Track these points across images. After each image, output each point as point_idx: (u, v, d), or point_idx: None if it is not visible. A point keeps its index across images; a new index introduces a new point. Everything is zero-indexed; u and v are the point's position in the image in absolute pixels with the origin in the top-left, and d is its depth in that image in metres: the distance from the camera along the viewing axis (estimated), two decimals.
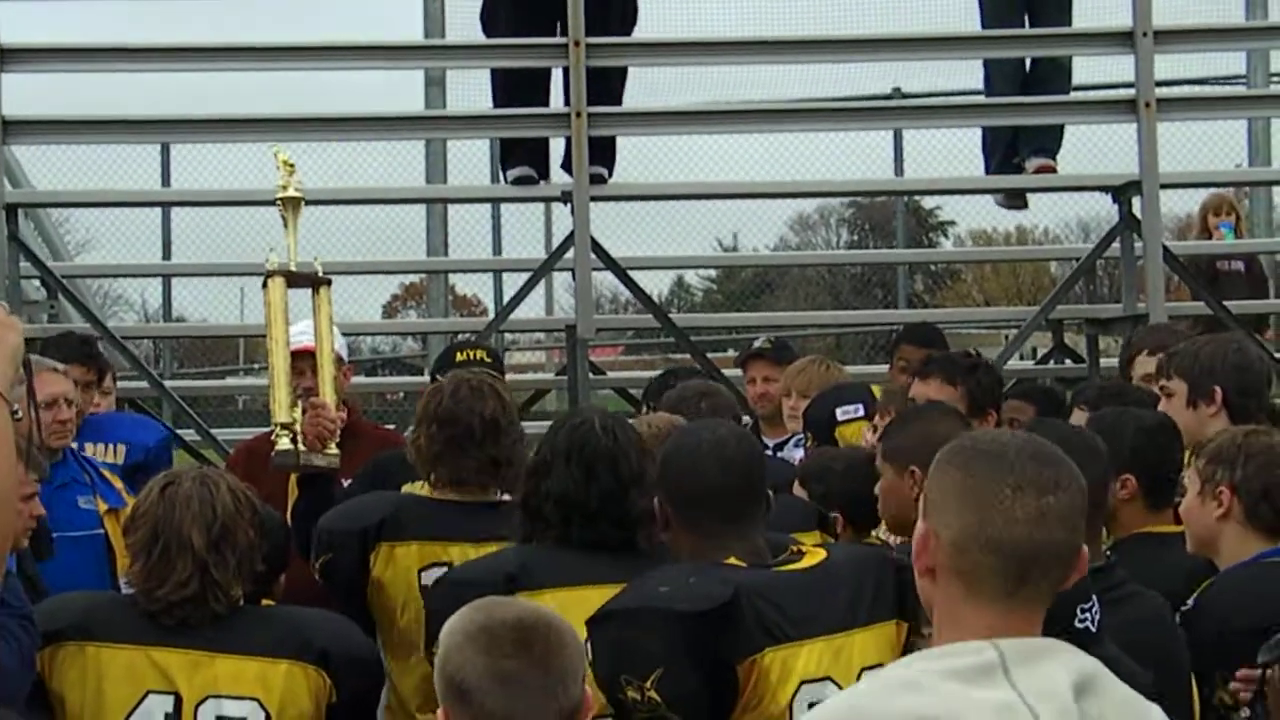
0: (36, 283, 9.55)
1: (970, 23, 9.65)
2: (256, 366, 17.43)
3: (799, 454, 6.80)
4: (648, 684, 3.76)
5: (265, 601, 4.75)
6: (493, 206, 12.89)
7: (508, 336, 13.15)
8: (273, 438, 5.90)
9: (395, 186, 11.44)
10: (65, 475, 6.66)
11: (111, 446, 7.01)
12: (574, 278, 8.51)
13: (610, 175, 8.96)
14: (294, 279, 6.04)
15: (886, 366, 8.12)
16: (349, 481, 5.94)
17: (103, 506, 6.63)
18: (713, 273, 31.21)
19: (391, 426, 8.29)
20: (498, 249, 13.24)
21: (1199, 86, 12.66)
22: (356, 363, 19.50)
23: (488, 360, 6.57)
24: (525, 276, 9.04)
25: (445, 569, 4.95)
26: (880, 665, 4.03)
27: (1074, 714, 2.48)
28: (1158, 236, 8.59)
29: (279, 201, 6.15)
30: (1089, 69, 10.59)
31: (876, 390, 6.95)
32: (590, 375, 8.90)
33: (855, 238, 35.07)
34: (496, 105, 9.14)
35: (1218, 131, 12.58)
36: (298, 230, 6.18)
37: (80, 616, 4.31)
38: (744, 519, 4.15)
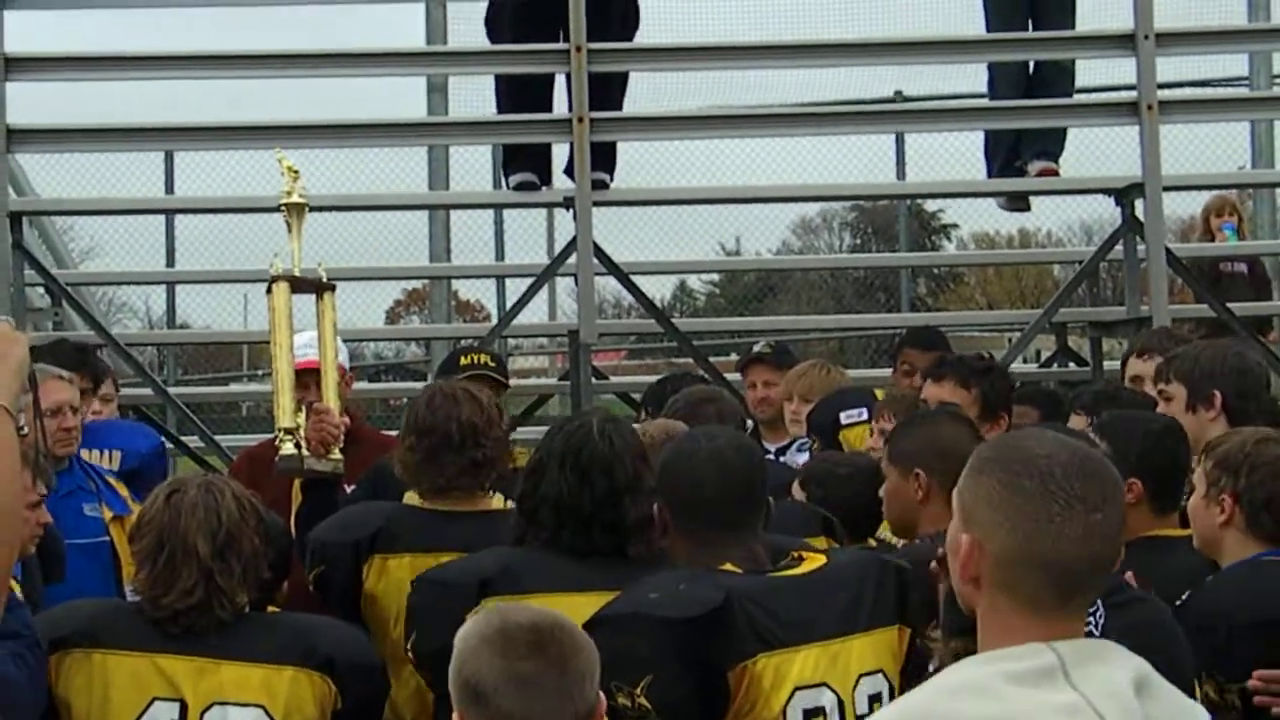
0: (41, 290, 9.55)
1: (973, 26, 9.65)
2: (260, 373, 17.39)
3: (801, 458, 6.80)
4: (638, 690, 3.76)
5: (270, 608, 4.74)
6: (495, 212, 12.90)
7: (510, 342, 13.15)
8: (276, 443, 5.91)
9: (398, 192, 11.46)
10: (70, 483, 6.66)
11: (106, 453, 7.00)
12: (576, 283, 8.51)
13: (612, 180, 8.97)
14: (298, 284, 6.05)
15: (889, 370, 8.09)
16: (352, 487, 5.94)
17: (108, 514, 6.63)
18: (715, 277, 31.26)
19: (394, 432, 8.27)
20: (500, 254, 13.24)
21: (1201, 89, 12.64)
22: (360, 368, 19.61)
23: (491, 365, 6.59)
24: (528, 282, 9.04)
25: (451, 560, 4.97)
26: (880, 671, 4.04)
27: (1138, 714, 2.51)
28: (1160, 239, 8.58)
29: (283, 207, 6.17)
30: (1092, 71, 10.59)
31: (880, 394, 6.96)
32: (593, 380, 8.90)
33: (858, 241, 35.10)
34: (501, 111, 9.14)
35: (1220, 133, 12.57)
36: (302, 236, 6.20)
37: (86, 623, 4.32)
38: (742, 526, 4.15)
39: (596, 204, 8.50)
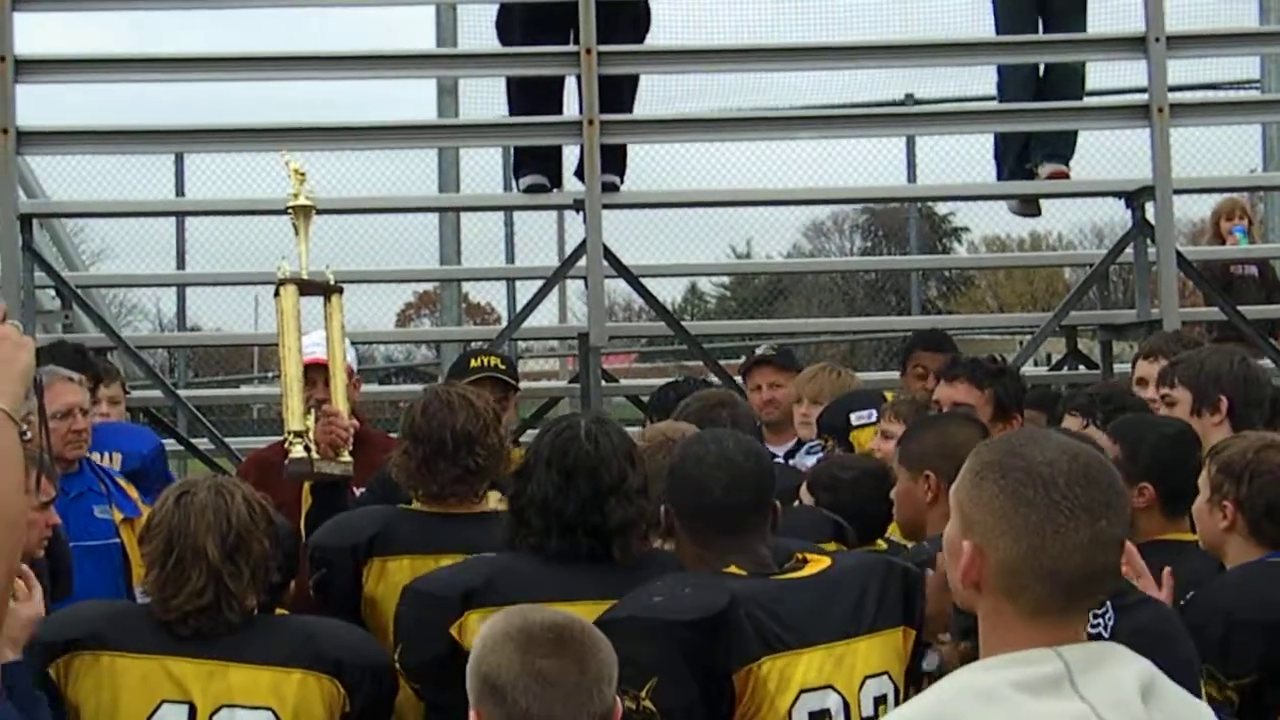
0: (51, 292, 9.56)
1: (984, 27, 9.64)
2: (270, 375, 17.42)
3: (810, 461, 6.80)
4: (643, 694, 3.76)
5: (279, 610, 4.74)
6: (506, 214, 12.90)
7: (521, 344, 13.15)
8: (286, 446, 5.91)
9: (407, 195, 11.45)
10: (81, 485, 6.68)
11: (107, 455, 7.02)
12: (586, 286, 8.50)
13: (622, 182, 8.97)
14: (306, 287, 6.06)
15: (899, 373, 8.07)
16: (361, 490, 5.94)
17: (118, 516, 6.65)
18: (726, 280, 31.28)
19: None
20: (511, 257, 13.24)
21: (1213, 91, 12.61)
22: (371, 371, 19.64)
23: (502, 368, 6.59)
24: (538, 284, 9.04)
25: (438, 569, 4.97)
26: (886, 673, 4.04)
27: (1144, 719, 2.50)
28: (1171, 242, 8.56)
29: (290, 210, 6.18)
30: (1104, 73, 10.58)
31: (890, 396, 6.96)
32: (603, 383, 8.89)
33: (869, 244, 35.16)
34: (511, 113, 9.15)
35: (1232, 136, 12.55)
36: (309, 238, 6.21)
37: (95, 625, 4.32)
38: (749, 531, 4.15)
39: (606, 206, 8.49)
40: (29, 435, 2.97)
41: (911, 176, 12.80)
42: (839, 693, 3.96)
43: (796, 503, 5.66)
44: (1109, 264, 9.30)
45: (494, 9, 9.19)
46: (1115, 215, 9.56)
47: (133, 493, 6.81)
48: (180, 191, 12.70)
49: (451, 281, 11.78)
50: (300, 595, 5.18)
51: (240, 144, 9.30)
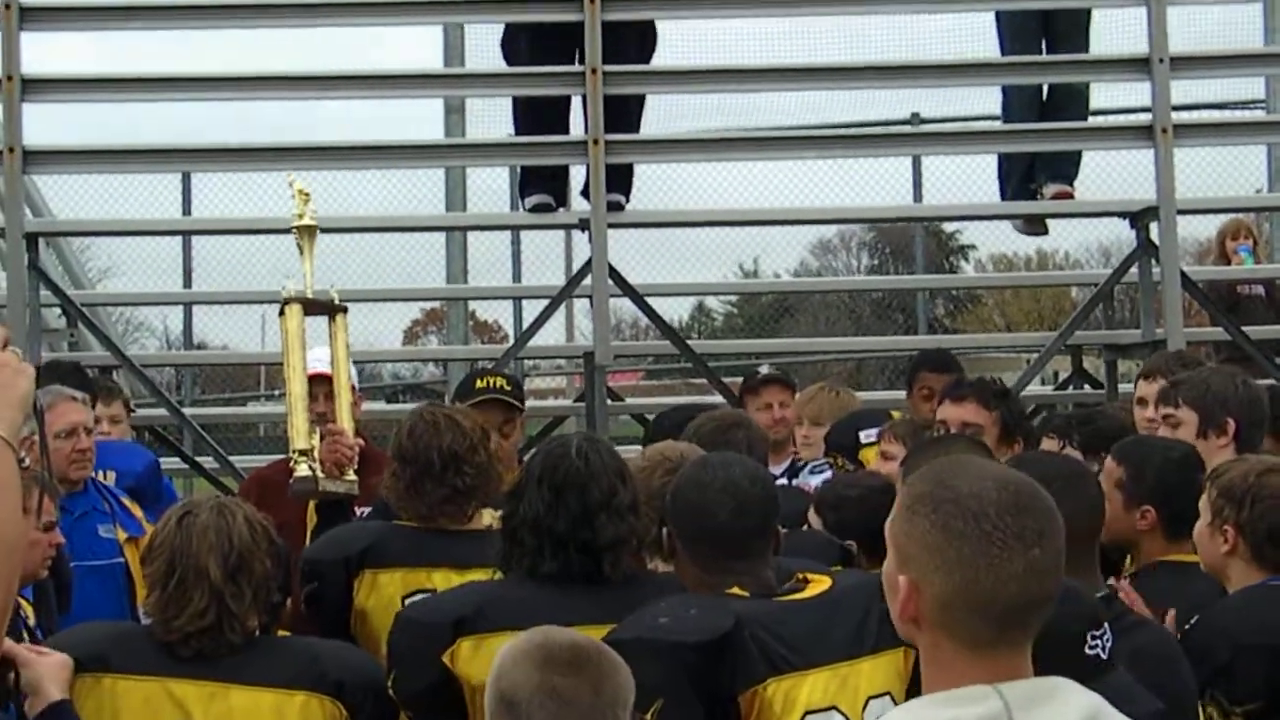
0: (57, 311, 9.57)
1: (989, 47, 9.65)
2: (277, 393, 17.43)
3: (813, 481, 6.80)
4: (649, 716, 3.75)
5: (281, 632, 4.74)
6: (513, 233, 12.91)
7: (528, 362, 13.17)
8: (291, 464, 5.93)
9: (413, 214, 11.47)
10: (85, 504, 6.70)
11: (101, 473, 7.03)
12: (591, 305, 8.52)
13: (628, 202, 8.98)
14: (311, 306, 6.09)
15: (905, 393, 8.06)
16: (366, 510, 5.95)
17: (122, 535, 6.66)
18: (733, 297, 31.28)
19: None
20: (518, 275, 13.26)
21: (1218, 111, 12.62)
22: (378, 388, 19.64)
23: (507, 388, 6.59)
24: (545, 303, 9.04)
25: (429, 595, 4.97)
26: (888, 694, 4.03)
27: None
28: (1175, 262, 8.56)
29: (295, 230, 6.21)
30: (1109, 91, 10.59)
31: (895, 415, 6.96)
32: (609, 401, 8.90)
33: (875, 261, 35.16)
34: (518, 132, 9.17)
35: (1237, 156, 12.56)
36: (314, 258, 6.24)
37: (97, 647, 4.30)
38: (752, 555, 4.16)
39: (612, 226, 8.51)
40: (28, 462, 2.97)
41: (918, 195, 12.80)
42: (843, 714, 3.96)
43: (805, 526, 5.66)
44: (1113, 284, 9.30)
45: (501, 29, 9.22)
46: (1122, 234, 9.55)
47: (137, 512, 6.82)
48: (187, 209, 12.71)
49: (457, 300, 11.78)
50: (295, 612, 5.18)
51: (247, 163, 9.31)
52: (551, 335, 12.70)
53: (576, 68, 8.62)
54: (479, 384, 6.57)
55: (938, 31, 11.50)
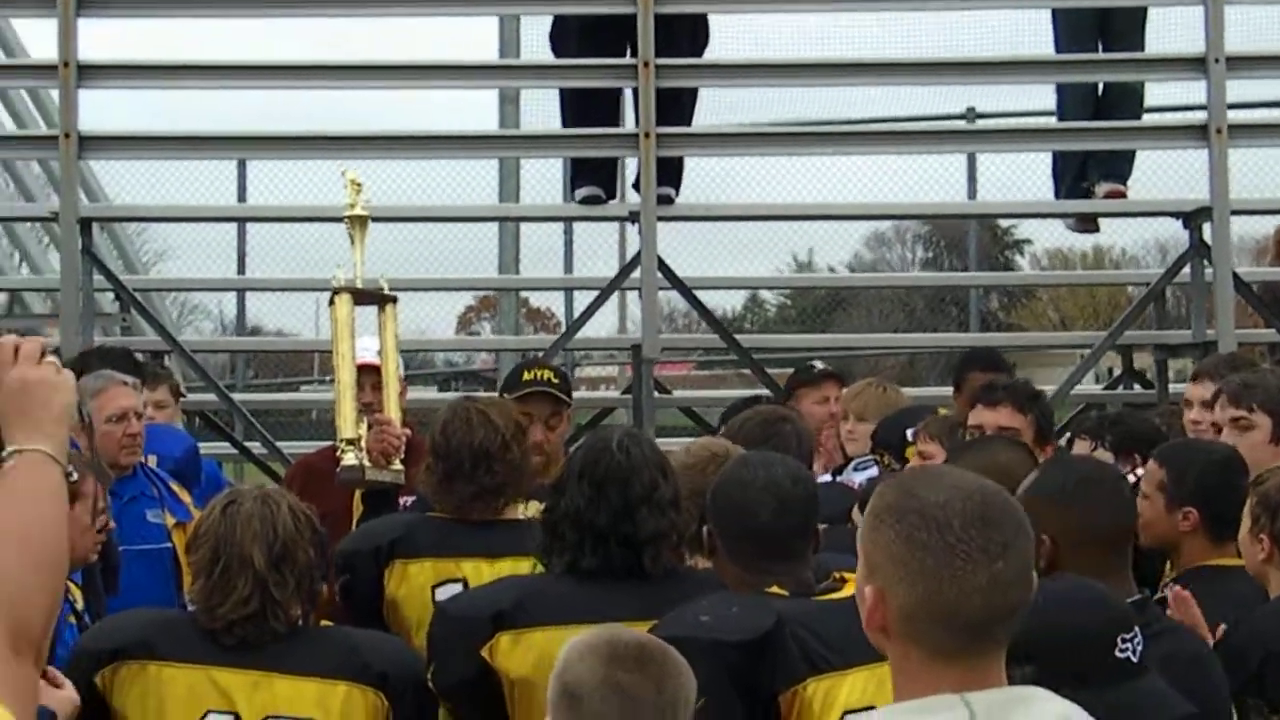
0: (111, 295, 9.63)
1: (1044, 45, 9.60)
2: (329, 379, 17.51)
3: (858, 478, 6.78)
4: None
5: (324, 622, 4.76)
6: (565, 223, 12.93)
7: (579, 351, 13.18)
8: (338, 454, 5.96)
9: (465, 205, 11.46)
10: (134, 489, 6.73)
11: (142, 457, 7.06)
12: (640, 297, 8.53)
13: (678, 195, 8.98)
14: (360, 296, 6.11)
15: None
16: (411, 498, 5.97)
17: (170, 520, 6.68)
18: (786, 289, 31.20)
19: None
20: (570, 265, 13.25)
21: (1274, 110, 12.52)
22: (431, 375, 19.67)
23: (555, 380, 6.59)
24: (596, 294, 9.05)
25: (460, 584, 5.02)
26: None
27: None
28: (1227, 263, 8.52)
29: (346, 220, 6.24)
30: (1162, 88, 10.52)
31: (943, 411, 6.93)
32: (656, 394, 8.90)
33: (930, 254, 35.01)
34: (566, 125, 9.17)
35: None
36: (364, 247, 6.27)
37: (142, 634, 4.34)
38: (792, 556, 4.17)
39: (661, 219, 8.52)
40: (75, 477, 3.02)
41: (972, 189, 12.73)
42: None
43: (849, 523, 5.66)
44: (1165, 284, 9.25)
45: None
46: (1179, 230, 9.46)
47: (185, 497, 6.84)
48: (242, 195, 12.72)
49: (509, 291, 11.81)
50: (331, 602, 5.20)
51: (301, 151, 9.38)
52: (604, 323, 12.69)
53: (629, 60, 8.61)
54: (526, 376, 6.57)
55: (992, 27, 11.44)
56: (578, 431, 9.29)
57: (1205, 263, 8.71)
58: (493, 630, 4.35)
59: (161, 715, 4.26)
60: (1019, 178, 12.52)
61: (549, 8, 9.28)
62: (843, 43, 11.59)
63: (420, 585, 5.09)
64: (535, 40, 10.72)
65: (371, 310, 6.28)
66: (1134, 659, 3.33)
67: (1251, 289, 8.94)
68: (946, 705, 2.49)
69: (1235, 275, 8.59)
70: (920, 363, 19.40)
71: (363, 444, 5.98)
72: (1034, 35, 9.93)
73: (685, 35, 8.85)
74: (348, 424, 5.95)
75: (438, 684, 4.39)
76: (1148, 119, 9.73)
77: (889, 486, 2.65)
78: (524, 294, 14.49)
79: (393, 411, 6.13)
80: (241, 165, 12.72)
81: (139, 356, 8.70)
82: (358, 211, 6.25)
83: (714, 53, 9.20)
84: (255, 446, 9.38)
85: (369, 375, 6.27)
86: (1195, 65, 8.71)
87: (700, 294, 9.04)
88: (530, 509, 5.29)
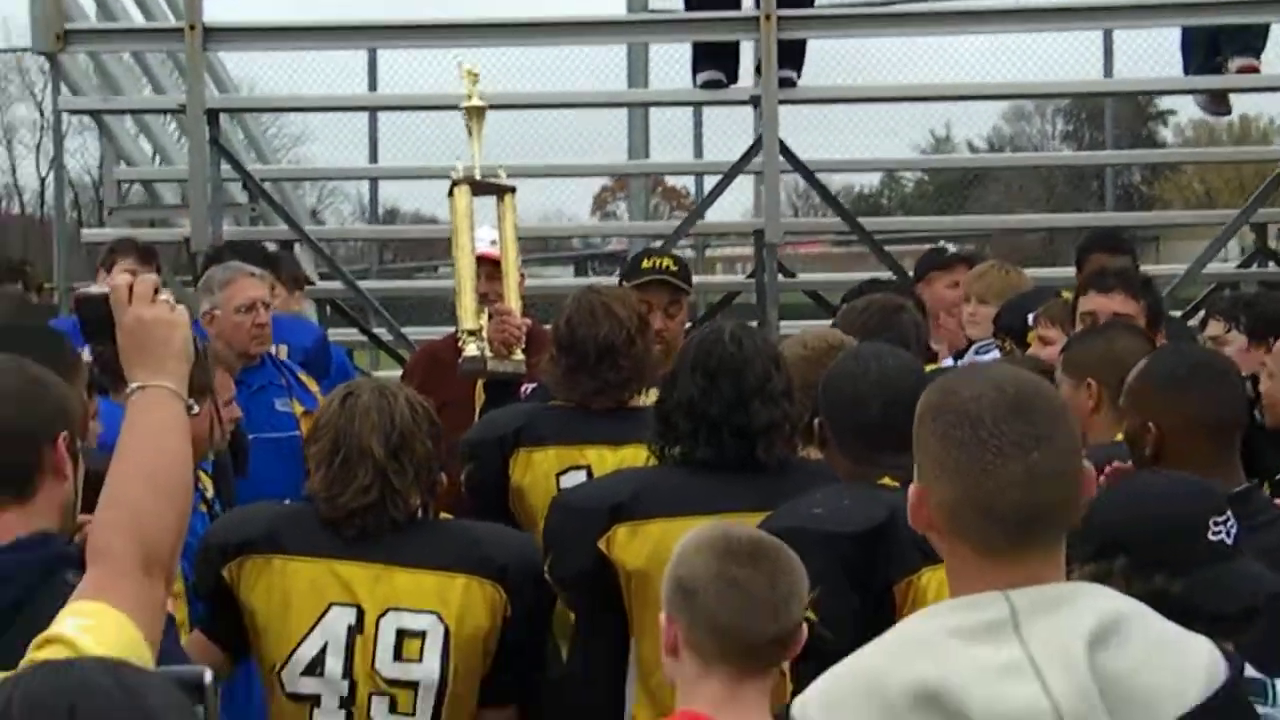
0: (241, 185, 9.74)
1: None
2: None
3: (980, 360, 6.74)
4: (805, 606, 3.79)
5: (443, 515, 4.81)
6: (694, 108, 12.89)
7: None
8: (460, 344, 6.01)
9: (586, 90, 11.42)
10: (262, 379, 6.83)
11: (273, 346, 7.16)
12: (763, 181, 8.51)
13: (799, 77, 8.93)
14: (479, 187, 6.14)
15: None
16: (533, 385, 6.01)
17: (299, 409, 6.76)
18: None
19: None
20: (699, 147, 13.20)
21: None
22: (569, 258, 19.75)
23: (673, 269, 6.59)
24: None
25: (584, 472, 5.05)
26: None
27: (1083, 669, 2.37)
28: None
29: (464, 110, 6.26)
30: None
31: (1066, 295, 6.87)
32: (781, 277, 8.89)
33: (1070, 127, 34.58)
34: (689, 8, 9.14)
35: None
36: (482, 138, 6.29)
37: (266, 528, 4.37)
38: (904, 448, 4.14)
39: (783, 102, 8.48)
40: (195, 410, 3.11)
41: (1108, 63, 12.50)
42: None
43: None
44: None
45: None
46: None
47: (313, 386, 6.93)
48: (373, 82, 12.73)
49: (636, 176, 11.81)
50: (454, 492, 5.25)
51: (430, 40, 9.39)
52: (740, 203, 12.58)
53: None
54: (645, 264, 6.57)
55: None
56: (708, 312, 9.35)
57: None
58: (610, 522, 4.37)
59: (286, 607, 4.29)
60: (1158, 50, 12.28)
61: None
62: None
63: (545, 473, 5.12)
64: None
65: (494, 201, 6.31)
66: (1228, 540, 3.30)
67: None
68: (989, 602, 2.46)
69: None
70: (1061, 238, 19.17)
71: (484, 334, 6.03)
72: None
73: None
74: (468, 315, 6.00)
75: (555, 575, 4.41)
76: None
77: (933, 387, 2.63)
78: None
79: (513, 301, 6.16)
80: (372, 52, 12.77)
81: (269, 246, 8.85)
82: (474, 103, 6.27)
83: None
84: (385, 333, 9.48)
85: (489, 265, 6.30)
86: None
87: (833, 173, 8.97)
88: (652, 397, 5.31)
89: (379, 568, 4.31)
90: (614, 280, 6.93)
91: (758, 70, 8.69)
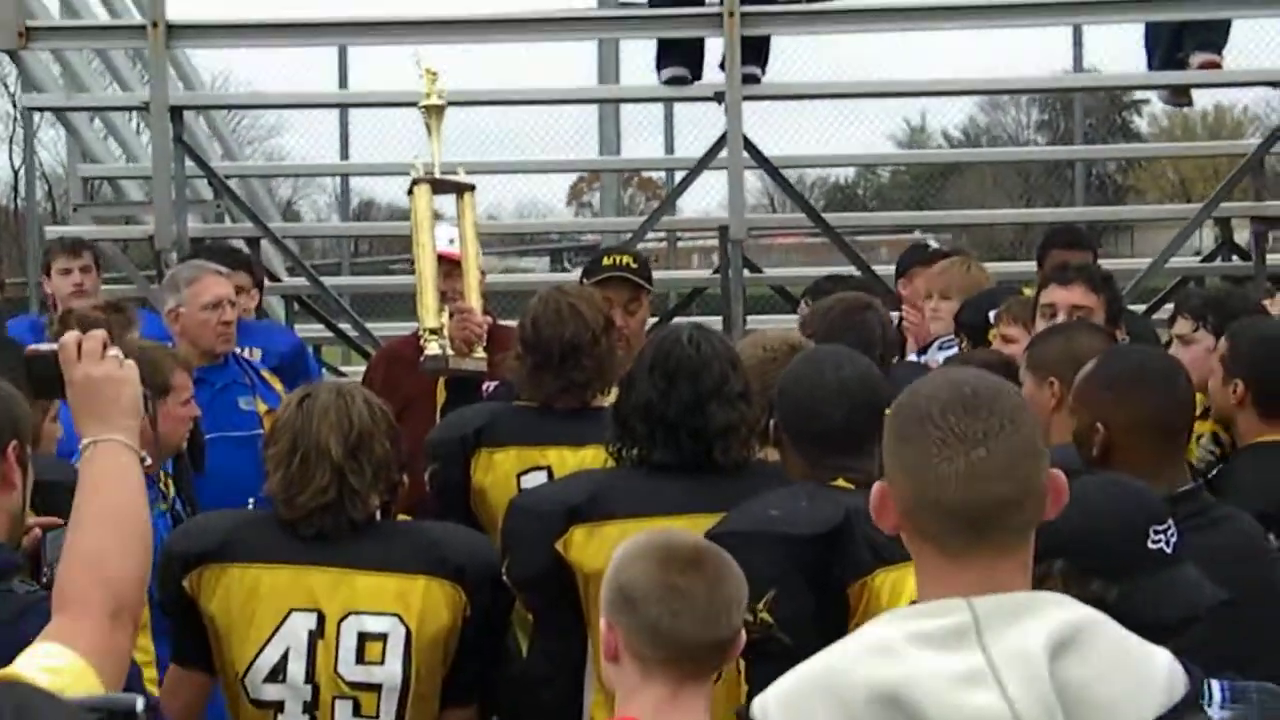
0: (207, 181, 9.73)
1: None
2: None
3: (941, 357, 6.75)
4: (760, 606, 3.80)
5: (401, 517, 4.82)
6: (665, 103, 12.89)
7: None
8: (421, 343, 6.02)
9: (554, 87, 11.42)
10: (226, 377, 6.84)
11: (246, 350, 7.18)
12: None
13: (764, 73, 8.95)
14: (439, 186, 6.15)
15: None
16: (496, 383, 6.02)
17: (263, 408, 6.77)
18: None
19: None
20: (670, 139, 13.19)
21: None
22: (546, 249, 19.76)
23: (633, 266, 6.60)
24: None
25: (545, 473, 5.08)
26: None
27: (1043, 678, 2.36)
28: None
29: (423, 109, 6.26)
30: None
31: (1027, 292, 6.88)
32: (748, 272, 8.89)
33: (1045, 116, 34.61)
34: (653, 4, 9.15)
35: None
36: (442, 136, 6.30)
37: (224, 536, 4.37)
38: (860, 452, 4.18)
39: (747, 99, 8.50)
40: (149, 461, 3.25)
41: (1078, 54, 12.51)
42: None
43: None
44: (1262, 155, 9.14)
45: None
46: None
47: (277, 385, 6.93)
48: (344, 76, 12.67)
49: (606, 171, 11.83)
50: (417, 493, 5.26)
51: (397, 36, 9.33)
52: (713, 194, 12.51)
53: None
54: (606, 261, 6.58)
55: None
56: (674, 308, 9.37)
57: None
58: (567, 524, 4.39)
59: (246, 615, 4.30)
60: (1127, 40, 12.31)
61: None
62: None
63: (506, 473, 5.14)
64: None
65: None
66: (1168, 550, 3.31)
67: None
68: (949, 609, 2.44)
69: None
70: (1036, 231, 19.20)
71: (445, 332, 6.04)
72: None
73: None
74: (430, 313, 6.01)
75: (513, 577, 4.43)
76: None
77: (905, 389, 2.62)
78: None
79: (473, 300, 6.17)
80: (342, 49, 12.72)
81: (236, 243, 8.85)
82: (433, 101, 6.27)
83: None
84: (352, 330, 9.47)
85: (449, 264, 6.31)
86: None
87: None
88: (614, 396, 5.32)
89: (339, 572, 4.33)
90: None
91: (722, 66, 8.69)
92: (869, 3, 9.35)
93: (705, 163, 8.82)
